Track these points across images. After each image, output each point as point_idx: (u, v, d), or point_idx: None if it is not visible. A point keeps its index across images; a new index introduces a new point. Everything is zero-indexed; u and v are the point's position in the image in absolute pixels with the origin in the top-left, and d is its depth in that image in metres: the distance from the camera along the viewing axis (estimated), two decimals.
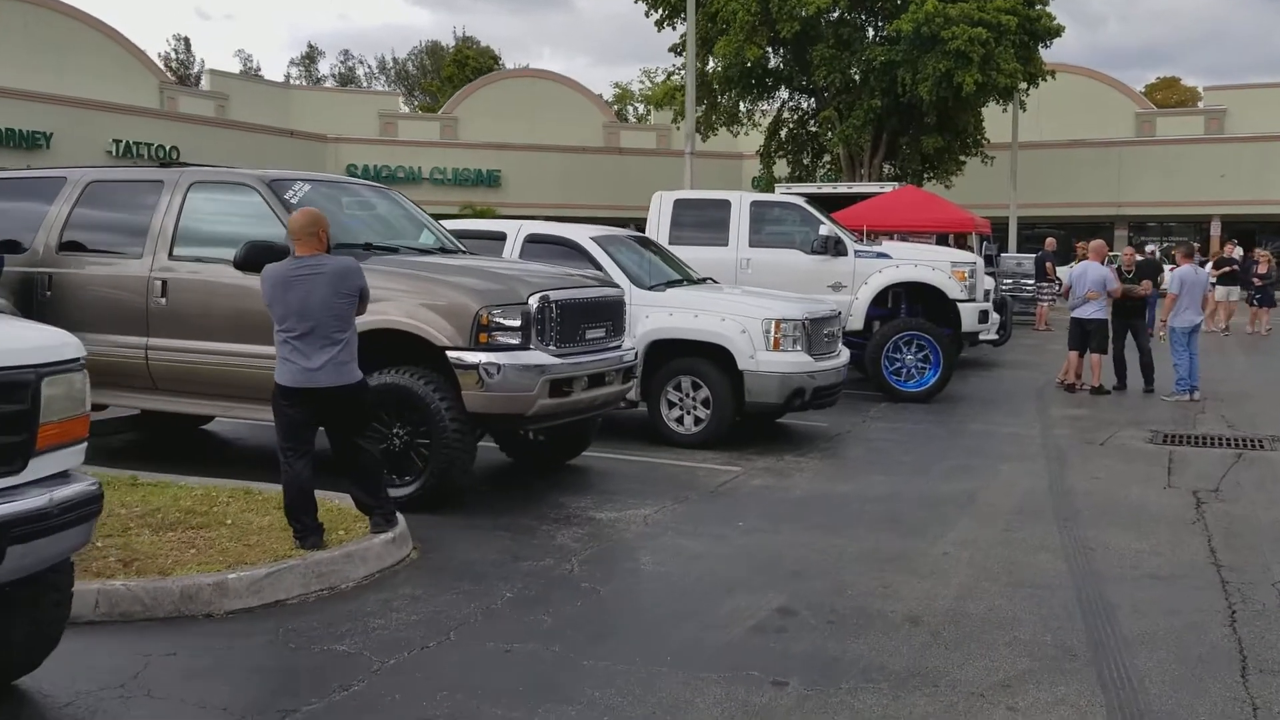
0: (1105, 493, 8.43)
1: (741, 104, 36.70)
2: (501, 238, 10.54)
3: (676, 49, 35.39)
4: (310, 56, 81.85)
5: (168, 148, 34.71)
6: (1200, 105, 47.43)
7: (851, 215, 20.98)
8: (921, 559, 6.47)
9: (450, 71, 64.75)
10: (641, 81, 67.55)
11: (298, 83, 61.14)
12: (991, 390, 14.75)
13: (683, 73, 35.79)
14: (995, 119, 36.29)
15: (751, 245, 13.57)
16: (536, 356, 7.20)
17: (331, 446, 6.07)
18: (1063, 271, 26.34)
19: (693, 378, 9.78)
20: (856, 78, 33.40)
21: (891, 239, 20.23)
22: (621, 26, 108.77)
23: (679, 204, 13.88)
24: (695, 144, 37.84)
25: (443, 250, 8.50)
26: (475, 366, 7.00)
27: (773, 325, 9.61)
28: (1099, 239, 15.40)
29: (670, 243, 13.60)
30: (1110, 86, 44.58)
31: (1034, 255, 26.29)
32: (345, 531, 6.19)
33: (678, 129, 37.55)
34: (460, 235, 10.56)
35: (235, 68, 62.26)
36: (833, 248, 13.35)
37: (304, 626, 5.11)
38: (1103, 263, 14.77)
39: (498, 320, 7.09)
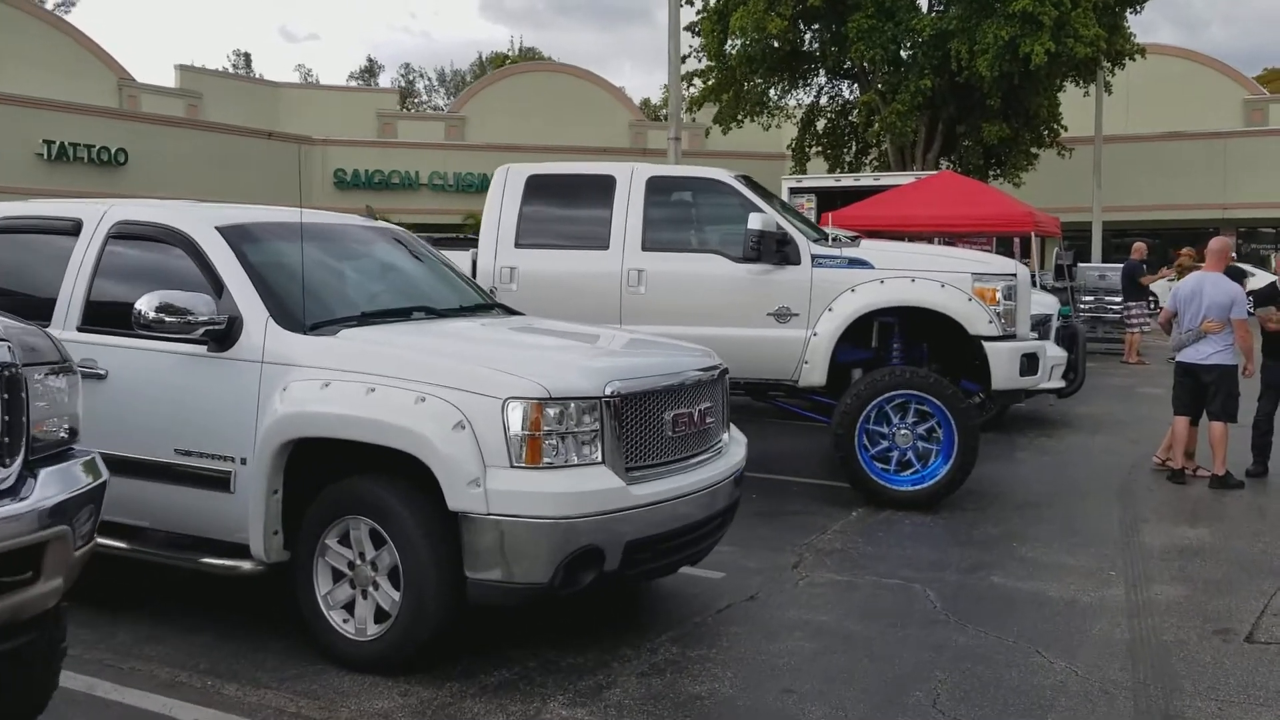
0: None
1: (772, 90, 31.35)
2: (74, 230, 5.52)
3: (693, 27, 30.22)
4: (370, 70, 78.78)
5: (113, 150, 30.50)
6: None
7: (861, 211, 15.74)
8: None
9: None
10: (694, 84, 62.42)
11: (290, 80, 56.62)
12: (1046, 480, 9.31)
13: (700, 56, 30.77)
14: (1075, 105, 30.42)
15: (648, 249, 8.39)
16: None
17: None
18: (1162, 289, 20.63)
19: (370, 522, 4.64)
20: (904, 55, 27.90)
21: (934, 243, 14.94)
22: None
23: (534, 185, 8.74)
24: (705, 137, 32.61)
25: None
26: None
27: (525, 411, 4.42)
28: (1220, 238, 9.89)
29: (519, 245, 8.56)
30: (1211, 68, 38.26)
31: (1120, 266, 20.54)
32: None
33: (712, 124, 32.42)
34: None
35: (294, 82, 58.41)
36: (772, 251, 8.09)
37: None
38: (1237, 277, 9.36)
39: None
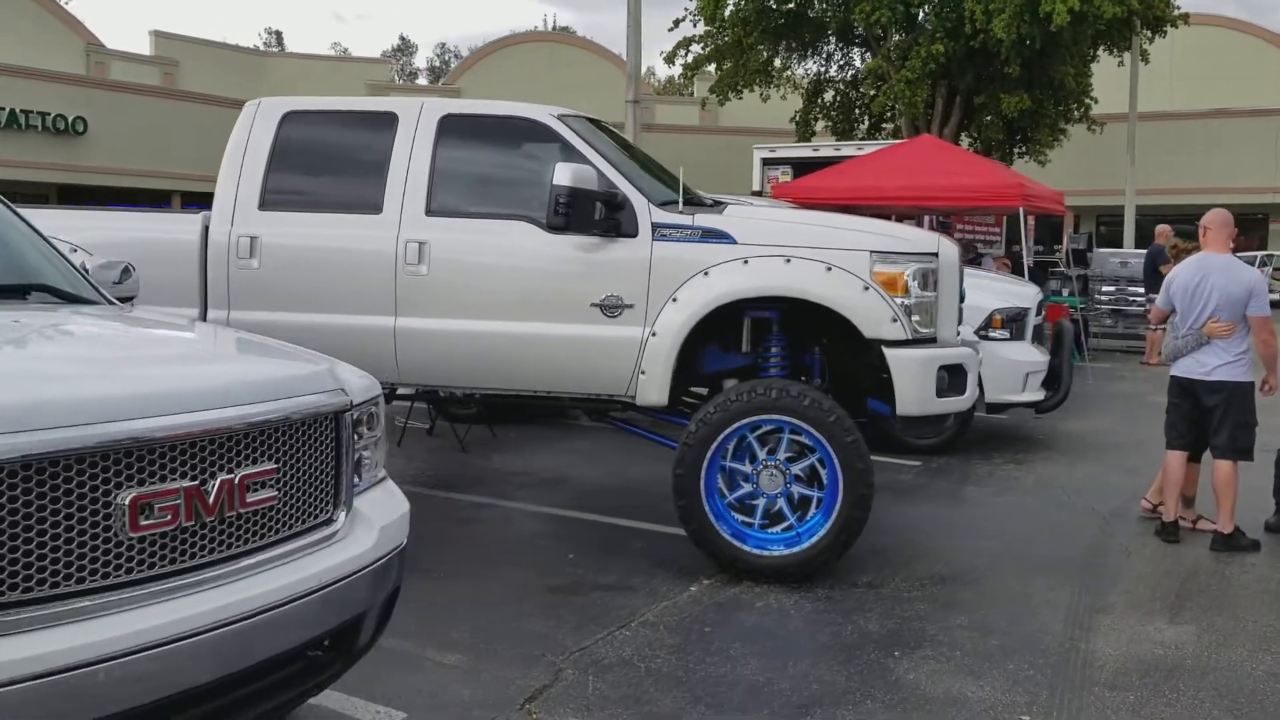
0: None
1: (776, 59, 28.83)
2: None
3: None
4: (403, 48, 77.70)
5: (70, 118, 28.60)
6: None
7: (820, 181, 13.45)
8: None
9: None
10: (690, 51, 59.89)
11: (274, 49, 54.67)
12: (989, 533, 6.95)
13: (695, 19, 28.29)
14: (1110, 79, 27.64)
15: (434, 213, 6.13)
16: None
17: None
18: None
19: None
20: (920, 16, 25.29)
21: (920, 223, 12.63)
22: None
23: (291, 124, 6.50)
24: (702, 107, 29.84)
25: None
26: None
27: None
28: (1221, 210, 7.30)
29: (265, 206, 6.37)
30: (1263, 40, 35.26)
31: (1144, 253, 17.91)
32: None
33: (712, 96, 29.99)
34: None
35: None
36: (592, 217, 5.79)
37: None
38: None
39: None
